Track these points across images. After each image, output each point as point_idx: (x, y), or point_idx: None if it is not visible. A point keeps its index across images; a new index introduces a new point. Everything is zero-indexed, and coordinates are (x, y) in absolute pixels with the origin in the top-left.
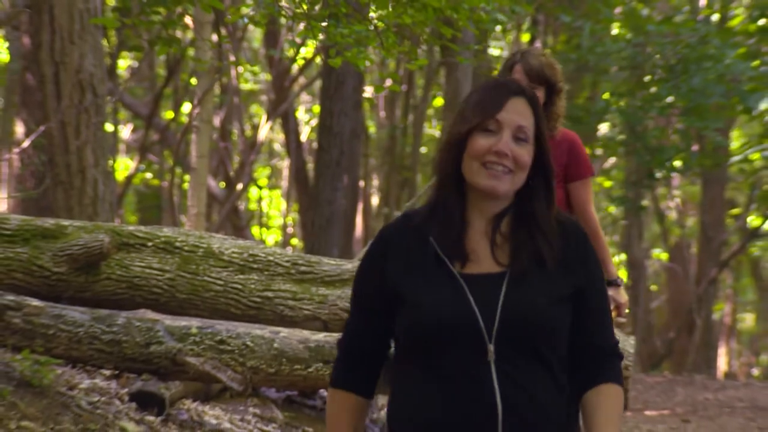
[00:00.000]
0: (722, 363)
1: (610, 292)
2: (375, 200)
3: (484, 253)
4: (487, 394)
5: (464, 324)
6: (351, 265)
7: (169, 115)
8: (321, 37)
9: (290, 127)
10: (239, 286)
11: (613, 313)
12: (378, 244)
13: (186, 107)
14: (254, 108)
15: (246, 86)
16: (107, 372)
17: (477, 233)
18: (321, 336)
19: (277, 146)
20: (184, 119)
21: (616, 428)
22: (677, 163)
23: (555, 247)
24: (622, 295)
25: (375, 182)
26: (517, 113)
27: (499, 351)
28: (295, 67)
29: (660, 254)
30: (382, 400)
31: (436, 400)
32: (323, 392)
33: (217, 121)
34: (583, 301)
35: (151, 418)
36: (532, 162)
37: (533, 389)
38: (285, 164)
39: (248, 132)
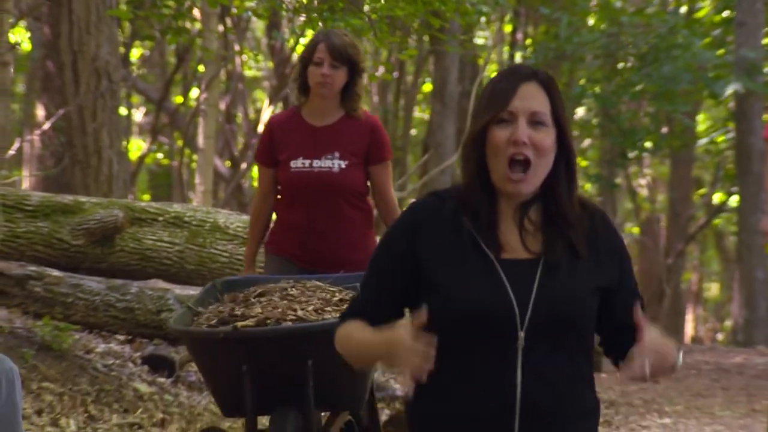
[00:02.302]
0: (689, 329)
1: None
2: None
3: (515, 240)
4: (508, 382)
5: (500, 311)
6: None
7: (178, 99)
8: (319, 27)
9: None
10: (243, 258)
11: None
12: (409, 216)
13: (194, 92)
14: (257, 93)
15: (249, 73)
16: (121, 337)
17: (507, 221)
18: None
19: None
20: (193, 103)
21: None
22: (648, 144)
23: (583, 235)
24: None
25: None
26: (529, 98)
27: (529, 339)
28: (295, 56)
29: (632, 228)
30: None
31: (457, 388)
32: None
33: (222, 105)
34: (617, 288)
35: (161, 379)
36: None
37: (556, 379)
38: None
39: (252, 115)
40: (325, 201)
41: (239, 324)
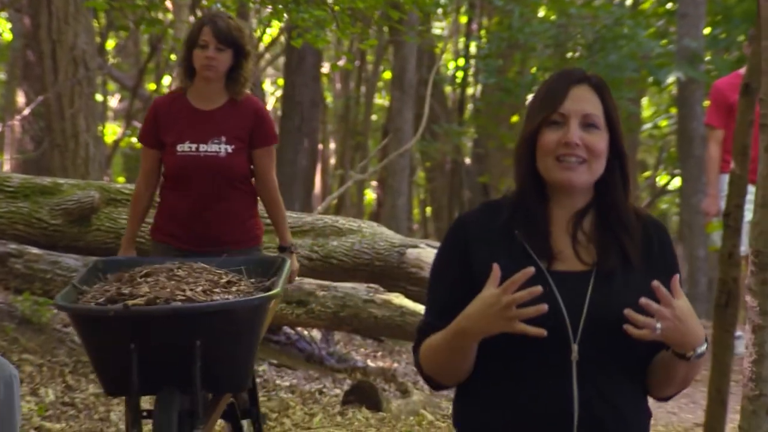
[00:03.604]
0: None
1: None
2: (332, 161)
3: (568, 251)
4: (565, 396)
5: (552, 323)
6: (310, 218)
7: (151, 86)
8: (284, 19)
9: (257, 96)
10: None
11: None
12: (459, 230)
13: (166, 80)
14: None
15: None
16: None
17: (560, 231)
18: None
19: None
20: (165, 90)
21: None
22: None
23: (638, 245)
24: (295, 263)
25: (332, 146)
26: (582, 101)
27: (582, 352)
28: (262, 45)
29: None
30: (338, 335)
31: (510, 401)
32: (287, 329)
33: None
34: None
35: None
36: (607, 149)
37: (612, 393)
38: None
39: None
40: (211, 185)
41: (129, 302)
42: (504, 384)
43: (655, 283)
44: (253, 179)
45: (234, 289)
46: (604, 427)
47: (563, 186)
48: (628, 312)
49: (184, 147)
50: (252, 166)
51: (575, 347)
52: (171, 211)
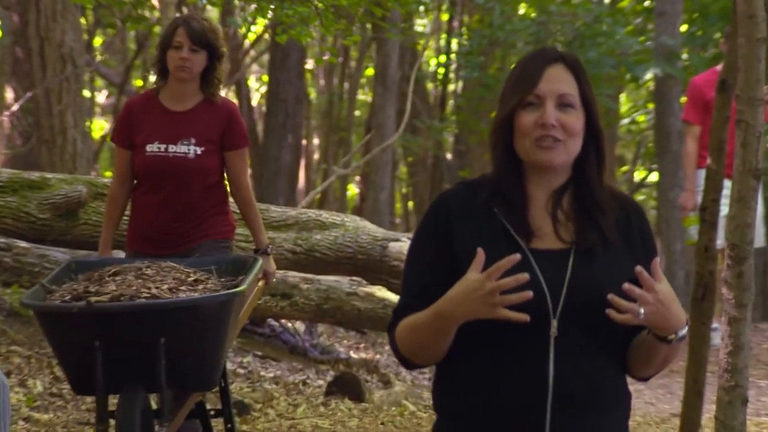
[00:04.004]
0: None
1: (262, 260)
2: (316, 156)
3: (547, 229)
4: (540, 371)
5: (533, 299)
6: (294, 212)
7: (138, 83)
8: (269, 16)
9: (242, 93)
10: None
11: (261, 282)
12: (440, 207)
13: (153, 77)
14: None
15: None
16: None
17: (539, 209)
18: None
19: None
20: (152, 86)
21: None
22: None
23: (614, 223)
24: (272, 264)
25: (315, 141)
26: (557, 81)
27: (561, 328)
28: (247, 42)
29: None
30: (321, 327)
31: (490, 379)
32: (271, 321)
33: None
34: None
35: None
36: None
37: (589, 369)
38: None
39: None
40: (180, 186)
41: (93, 299)
42: (484, 363)
43: (638, 268)
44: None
45: (201, 287)
46: (579, 402)
47: (543, 166)
48: (611, 297)
49: (153, 147)
50: (224, 169)
51: (554, 323)
52: (142, 211)
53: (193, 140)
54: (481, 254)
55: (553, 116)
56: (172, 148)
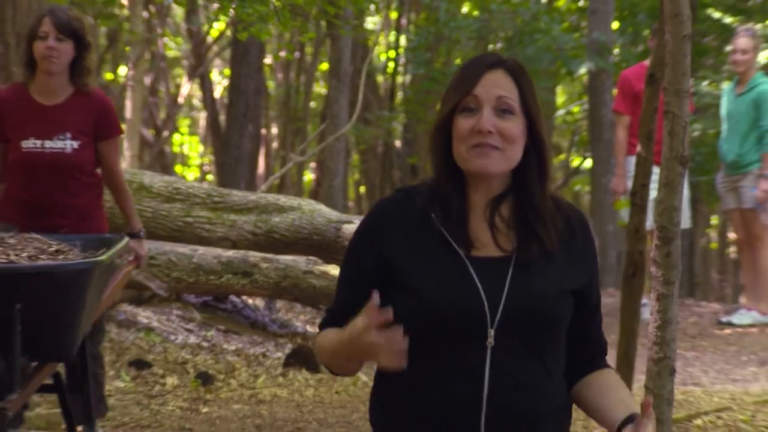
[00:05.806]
0: None
1: (132, 243)
2: (274, 145)
3: (486, 237)
4: (475, 381)
5: (471, 309)
6: (254, 196)
7: (109, 76)
8: (231, 14)
9: (206, 86)
10: (165, 213)
11: (132, 265)
12: (375, 216)
13: (122, 70)
14: (177, 71)
15: (170, 53)
16: None
17: (478, 217)
18: (231, 253)
19: (196, 101)
20: (121, 80)
21: (628, 393)
22: None
23: (556, 233)
24: (143, 247)
25: (274, 130)
26: (494, 86)
27: (498, 338)
28: (210, 38)
29: None
30: (279, 303)
31: (425, 385)
32: (233, 298)
33: (147, 81)
34: (586, 295)
35: None
36: (525, 135)
37: (525, 379)
38: (202, 116)
39: (172, 90)
40: (57, 180)
41: None
42: (419, 373)
43: (647, 399)
44: (99, 170)
45: (61, 257)
46: (514, 411)
47: (478, 174)
48: None
49: (28, 143)
50: (98, 158)
51: (491, 332)
52: (16, 202)
53: (68, 134)
54: (376, 298)
55: (489, 122)
56: (48, 143)
